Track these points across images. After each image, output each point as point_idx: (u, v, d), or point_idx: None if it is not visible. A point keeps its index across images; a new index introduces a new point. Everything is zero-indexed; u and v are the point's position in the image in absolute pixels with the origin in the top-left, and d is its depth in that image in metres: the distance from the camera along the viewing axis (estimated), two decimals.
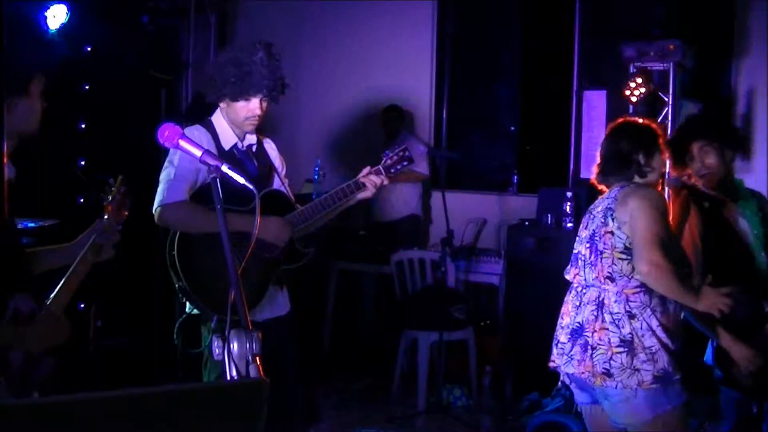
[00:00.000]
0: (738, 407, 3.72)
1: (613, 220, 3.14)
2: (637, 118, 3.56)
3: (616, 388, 3.03)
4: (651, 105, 5.89)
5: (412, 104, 7.44)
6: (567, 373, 3.22)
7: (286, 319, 3.47)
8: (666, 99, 5.91)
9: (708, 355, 3.63)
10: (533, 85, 7.42)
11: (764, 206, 3.67)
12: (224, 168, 2.22)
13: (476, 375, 5.83)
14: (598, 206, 3.27)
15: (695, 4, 6.31)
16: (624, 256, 3.10)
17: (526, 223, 6.22)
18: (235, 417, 1.55)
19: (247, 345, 1.93)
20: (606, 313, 3.09)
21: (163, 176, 3.28)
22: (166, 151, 3.30)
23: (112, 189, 2.92)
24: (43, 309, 2.59)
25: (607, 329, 3.07)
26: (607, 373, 3.04)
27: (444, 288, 5.83)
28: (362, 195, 3.42)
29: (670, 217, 3.38)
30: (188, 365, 2.97)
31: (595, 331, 3.09)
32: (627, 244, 3.10)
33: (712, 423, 4.47)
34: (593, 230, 3.21)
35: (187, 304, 3.27)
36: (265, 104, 3.39)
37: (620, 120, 3.48)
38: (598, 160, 3.39)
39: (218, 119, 3.42)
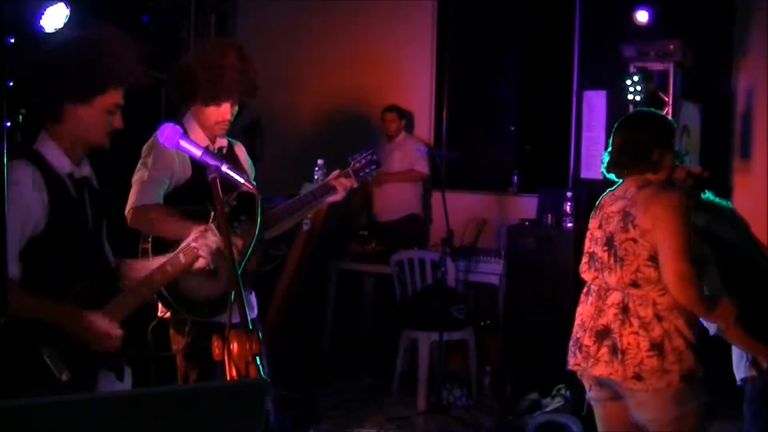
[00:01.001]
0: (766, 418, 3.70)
1: (634, 227, 3.06)
2: (654, 110, 3.43)
3: (647, 391, 3.03)
4: (651, 105, 5.89)
5: (412, 104, 7.45)
6: (594, 376, 3.17)
7: (257, 321, 3.50)
8: (666, 99, 5.92)
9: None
10: (533, 85, 7.42)
11: None
12: (224, 168, 2.22)
13: (476, 375, 5.83)
14: (612, 205, 3.17)
15: (695, 4, 6.31)
16: (650, 263, 3.03)
17: (526, 223, 6.21)
18: (235, 417, 1.55)
19: (247, 345, 1.93)
20: (633, 317, 3.05)
21: (136, 178, 3.25)
22: None
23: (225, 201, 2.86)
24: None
25: (637, 333, 3.04)
26: (638, 377, 3.03)
27: (444, 288, 5.82)
28: (332, 198, 3.41)
29: None
30: (160, 368, 2.97)
31: (623, 335, 3.06)
32: (652, 253, 3.03)
33: (712, 423, 4.47)
34: (611, 233, 3.13)
35: (160, 307, 3.24)
36: (235, 109, 3.35)
37: (637, 109, 3.40)
38: (609, 148, 3.26)
39: (189, 122, 3.38)
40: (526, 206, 6.60)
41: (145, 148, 3.31)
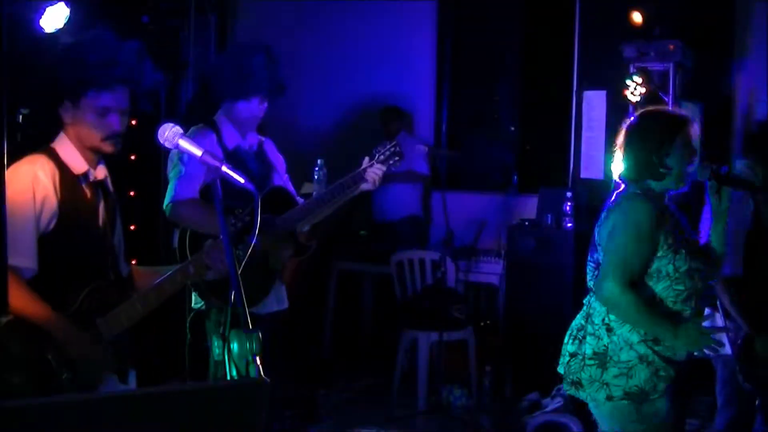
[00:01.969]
0: (739, 401, 3.71)
1: (598, 232, 2.97)
2: (657, 108, 3.22)
3: (585, 399, 2.96)
4: (651, 105, 5.89)
5: (412, 104, 7.44)
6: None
7: (286, 313, 3.56)
8: (666, 99, 5.91)
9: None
10: (533, 85, 7.42)
11: None
12: (224, 168, 2.22)
13: (476, 375, 5.83)
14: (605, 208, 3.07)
15: (695, 4, 6.31)
16: None
17: (526, 223, 6.22)
18: (235, 417, 1.55)
19: (247, 345, 1.93)
20: (589, 324, 2.96)
21: (174, 173, 3.31)
22: (166, 152, 3.31)
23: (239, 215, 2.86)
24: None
25: (586, 339, 2.95)
26: (577, 384, 2.95)
27: (444, 288, 5.82)
28: (365, 186, 3.45)
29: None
30: (197, 361, 3.00)
31: (578, 338, 2.99)
32: None
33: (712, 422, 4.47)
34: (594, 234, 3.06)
35: (194, 300, 3.29)
36: (264, 105, 3.43)
37: (641, 112, 3.13)
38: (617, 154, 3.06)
39: (221, 119, 3.46)
40: (526, 206, 6.60)
41: None
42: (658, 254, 2.84)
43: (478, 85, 7.77)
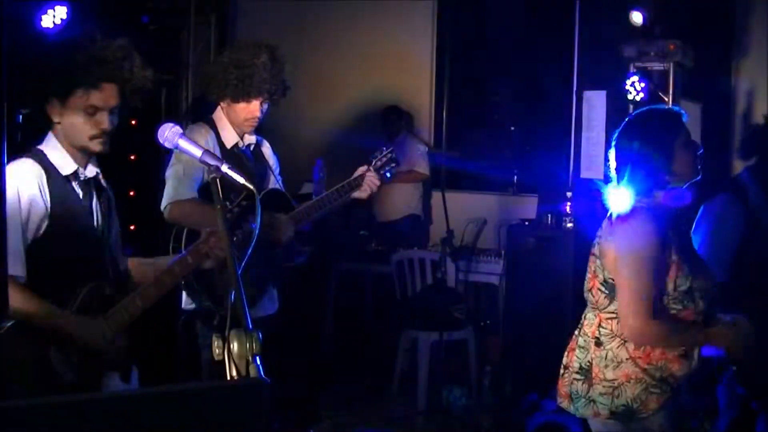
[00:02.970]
0: (739, 403, 3.71)
1: (598, 243, 2.84)
2: (658, 106, 3.12)
3: (575, 414, 2.87)
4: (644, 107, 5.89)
5: (412, 104, 7.45)
6: None
7: (279, 316, 3.56)
8: (666, 99, 5.92)
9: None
10: (533, 85, 7.42)
11: None
12: (224, 168, 2.22)
13: (476, 375, 5.83)
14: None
15: (695, 4, 6.31)
16: (603, 288, 2.80)
17: (526, 223, 6.22)
18: (235, 417, 1.55)
19: (247, 345, 1.93)
20: (581, 334, 2.87)
21: (171, 173, 3.30)
22: (166, 152, 3.31)
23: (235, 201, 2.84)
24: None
25: (575, 351, 2.87)
26: (569, 397, 2.87)
27: (444, 288, 5.82)
28: (358, 194, 3.46)
29: None
30: (188, 363, 3.00)
31: (570, 349, 2.91)
32: (608, 278, 2.78)
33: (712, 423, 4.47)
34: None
35: (183, 301, 3.28)
36: (265, 106, 3.42)
37: (638, 111, 2.95)
38: (611, 161, 2.87)
39: (220, 118, 3.45)
40: (526, 206, 6.60)
41: None
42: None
43: (478, 85, 7.78)
